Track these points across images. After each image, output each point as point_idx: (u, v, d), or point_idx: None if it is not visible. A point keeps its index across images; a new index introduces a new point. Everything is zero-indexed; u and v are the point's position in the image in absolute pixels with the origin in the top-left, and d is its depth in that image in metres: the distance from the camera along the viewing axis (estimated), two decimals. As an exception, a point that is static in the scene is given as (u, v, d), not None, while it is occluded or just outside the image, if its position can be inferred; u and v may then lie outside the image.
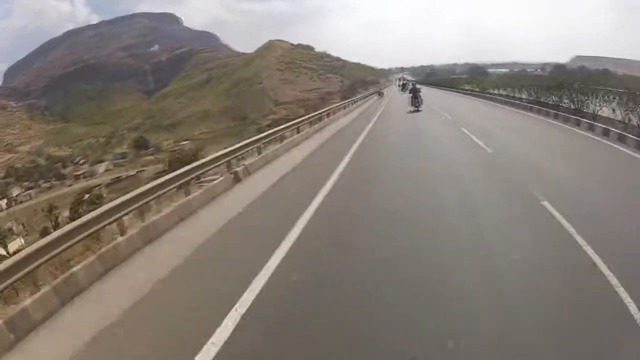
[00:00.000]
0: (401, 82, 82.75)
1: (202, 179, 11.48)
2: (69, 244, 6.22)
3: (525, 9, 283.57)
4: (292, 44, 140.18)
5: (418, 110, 31.16)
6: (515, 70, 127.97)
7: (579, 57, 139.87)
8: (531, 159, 13.42)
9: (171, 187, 9.04)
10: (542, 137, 18.90)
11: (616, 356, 4.25)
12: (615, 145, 15.03)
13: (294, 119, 22.01)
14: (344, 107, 32.86)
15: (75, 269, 6.23)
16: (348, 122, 27.78)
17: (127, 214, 7.57)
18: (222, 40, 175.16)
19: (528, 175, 10.91)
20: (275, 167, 13.76)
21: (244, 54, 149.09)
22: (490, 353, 4.39)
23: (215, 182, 10.94)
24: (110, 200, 7.84)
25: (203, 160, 10.91)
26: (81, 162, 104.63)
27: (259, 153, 14.01)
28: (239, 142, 13.13)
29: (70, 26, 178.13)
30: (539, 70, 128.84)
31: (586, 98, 21.76)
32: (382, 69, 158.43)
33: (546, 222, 7.60)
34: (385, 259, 6.57)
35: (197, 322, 5.18)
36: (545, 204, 8.34)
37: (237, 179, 11.73)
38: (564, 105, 23.94)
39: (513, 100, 33.28)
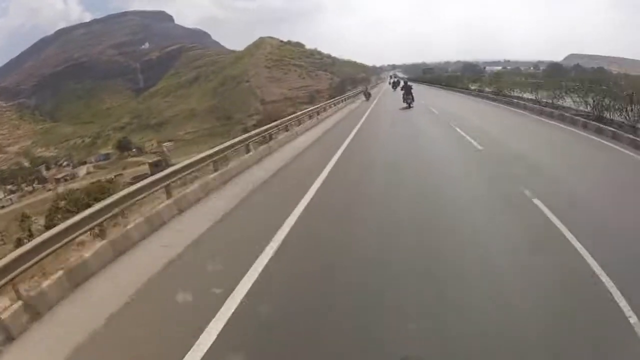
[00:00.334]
0: (392, 80, 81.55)
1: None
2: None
3: (518, 8, 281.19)
4: (281, 41, 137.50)
5: (410, 107, 32.48)
6: (509, 68, 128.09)
7: (573, 56, 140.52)
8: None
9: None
10: None
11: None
12: None
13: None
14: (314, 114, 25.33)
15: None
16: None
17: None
18: (214, 38, 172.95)
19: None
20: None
21: (234, 51, 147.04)
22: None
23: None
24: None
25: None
26: (64, 164, 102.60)
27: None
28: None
29: (63, 24, 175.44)
30: (532, 68, 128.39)
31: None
32: (374, 67, 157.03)
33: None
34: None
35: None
36: None
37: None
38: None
39: (554, 111, 22.22)
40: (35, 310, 5.56)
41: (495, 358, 4.32)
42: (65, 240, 6.42)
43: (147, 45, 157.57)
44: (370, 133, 20.94)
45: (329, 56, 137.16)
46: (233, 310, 5.32)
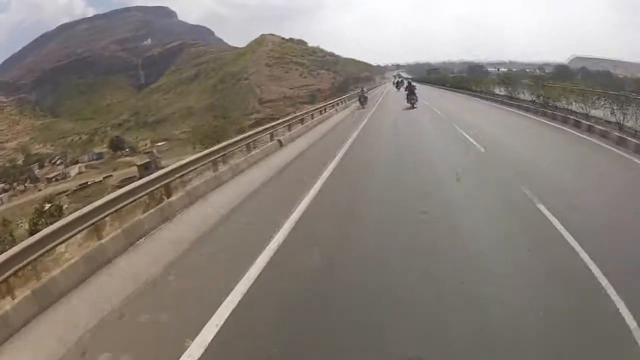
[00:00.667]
0: (396, 80, 79.34)
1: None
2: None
3: (520, 8, 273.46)
4: (283, 38, 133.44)
5: (413, 107, 31.90)
6: (514, 70, 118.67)
7: (577, 58, 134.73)
8: None
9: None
10: None
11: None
12: None
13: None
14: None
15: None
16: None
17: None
18: (216, 35, 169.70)
19: None
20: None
21: (236, 48, 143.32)
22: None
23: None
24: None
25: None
26: (58, 162, 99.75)
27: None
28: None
29: (67, 20, 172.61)
30: (537, 70, 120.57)
31: None
32: (377, 66, 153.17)
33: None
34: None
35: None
36: None
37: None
38: None
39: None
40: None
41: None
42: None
43: (149, 41, 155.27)
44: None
45: (332, 54, 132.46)
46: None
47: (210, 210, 9.34)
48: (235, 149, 12.92)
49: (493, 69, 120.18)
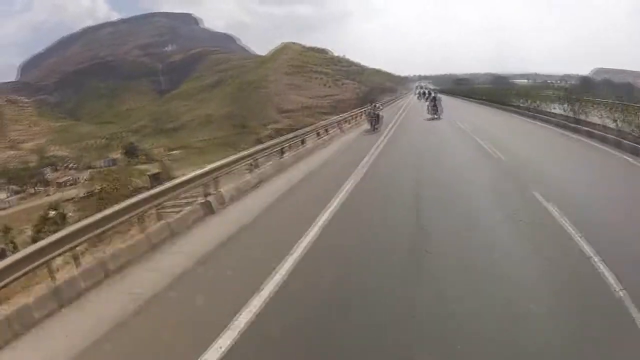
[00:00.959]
0: (419, 91, 77.35)
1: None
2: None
3: (542, 20, 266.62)
4: (304, 47, 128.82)
5: (436, 118, 31.12)
6: (538, 81, 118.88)
7: (600, 70, 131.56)
8: None
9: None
10: None
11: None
12: None
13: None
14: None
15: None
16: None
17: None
18: (241, 43, 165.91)
19: None
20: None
21: (258, 56, 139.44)
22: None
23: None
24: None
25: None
26: (71, 165, 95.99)
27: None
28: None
29: (90, 23, 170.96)
30: (558, 82, 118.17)
31: None
32: (400, 76, 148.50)
33: None
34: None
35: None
36: None
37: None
38: None
39: None
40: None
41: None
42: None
43: (171, 47, 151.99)
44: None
45: (357, 64, 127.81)
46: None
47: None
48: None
49: (525, 80, 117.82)
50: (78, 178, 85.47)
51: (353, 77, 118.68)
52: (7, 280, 5.63)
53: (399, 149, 20.00)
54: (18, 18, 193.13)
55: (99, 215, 7.21)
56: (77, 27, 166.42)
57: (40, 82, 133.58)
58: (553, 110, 27.87)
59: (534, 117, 29.88)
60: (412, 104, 56.73)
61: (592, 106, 22.67)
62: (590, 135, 19.98)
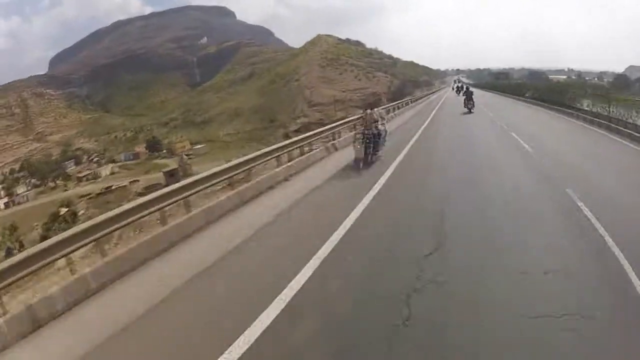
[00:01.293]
0: (456, 85, 76.81)
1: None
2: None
3: (577, 15, 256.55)
4: (339, 39, 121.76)
5: (470, 112, 31.20)
6: (573, 77, 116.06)
7: (632, 67, 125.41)
8: None
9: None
10: None
11: None
12: None
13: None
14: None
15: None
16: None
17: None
18: (276, 36, 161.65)
19: None
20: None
21: (292, 48, 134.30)
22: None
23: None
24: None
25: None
26: (95, 159, 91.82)
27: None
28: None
29: (123, 17, 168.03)
30: (595, 79, 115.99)
31: None
32: (438, 70, 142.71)
33: None
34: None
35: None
36: None
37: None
38: None
39: None
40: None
41: None
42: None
43: (205, 39, 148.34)
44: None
45: (390, 57, 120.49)
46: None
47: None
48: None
49: (563, 77, 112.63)
50: (98, 173, 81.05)
51: (385, 69, 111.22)
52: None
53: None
54: (51, 13, 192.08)
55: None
56: (109, 21, 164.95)
57: (70, 75, 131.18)
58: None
59: (619, 132, 19.68)
60: (444, 101, 48.52)
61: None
62: None
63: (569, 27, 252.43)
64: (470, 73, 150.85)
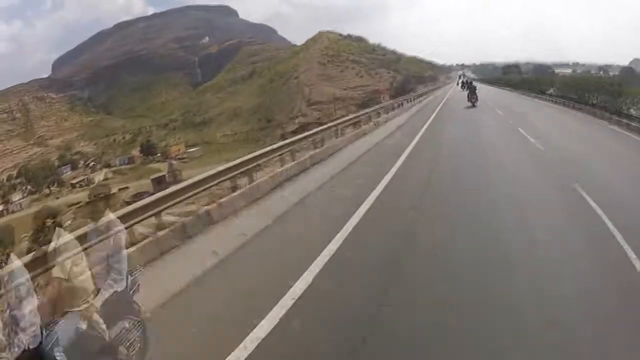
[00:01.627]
0: (461, 80, 79.12)
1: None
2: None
3: (579, 7, 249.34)
4: (340, 35, 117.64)
5: (474, 106, 32.49)
6: (579, 72, 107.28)
7: (637, 60, 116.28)
8: None
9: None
10: None
11: None
12: None
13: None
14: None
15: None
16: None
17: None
18: (279, 34, 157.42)
19: None
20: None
21: (293, 46, 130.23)
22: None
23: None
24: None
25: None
26: (91, 164, 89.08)
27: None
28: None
29: (125, 18, 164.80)
30: (601, 72, 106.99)
31: None
32: (443, 65, 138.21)
33: None
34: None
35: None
36: None
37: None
38: None
39: None
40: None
41: None
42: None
43: (206, 39, 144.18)
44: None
45: (393, 52, 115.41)
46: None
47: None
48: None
49: (569, 70, 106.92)
50: (92, 179, 78.19)
51: (388, 65, 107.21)
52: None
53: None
54: (53, 16, 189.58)
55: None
56: (111, 23, 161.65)
57: (71, 77, 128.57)
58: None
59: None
60: (450, 96, 46.64)
61: None
62: None
63: (572, 20, 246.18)
64: (475, 68, 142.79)
